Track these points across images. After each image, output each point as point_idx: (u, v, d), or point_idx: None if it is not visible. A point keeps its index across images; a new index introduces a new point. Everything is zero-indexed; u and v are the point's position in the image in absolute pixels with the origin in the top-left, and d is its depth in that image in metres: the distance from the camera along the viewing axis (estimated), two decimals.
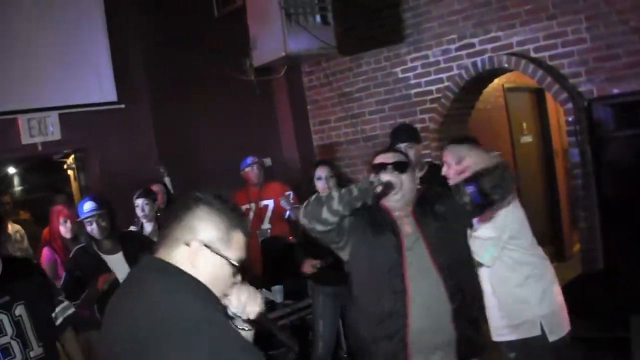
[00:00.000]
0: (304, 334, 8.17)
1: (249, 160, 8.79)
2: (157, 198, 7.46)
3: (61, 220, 6.75)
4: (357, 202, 4.04)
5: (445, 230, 4.26)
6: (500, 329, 4.88)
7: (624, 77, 7.11)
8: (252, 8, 8.90)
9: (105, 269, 5.83)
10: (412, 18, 9.01)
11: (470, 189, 4.12)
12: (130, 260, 5.83)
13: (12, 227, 8.21)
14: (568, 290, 5.31)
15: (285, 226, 8.50)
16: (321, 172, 7.06)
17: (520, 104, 11.21)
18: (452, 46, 8.54)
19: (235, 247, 2.66)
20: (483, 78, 8.66)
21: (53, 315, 4.70)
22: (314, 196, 4.16)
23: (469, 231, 4.63)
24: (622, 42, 7.09)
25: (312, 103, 10.79)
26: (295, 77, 10.80)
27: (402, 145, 6.68)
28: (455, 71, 8.54)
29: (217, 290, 2.62)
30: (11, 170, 13.13)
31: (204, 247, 2.58)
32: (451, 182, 5.28)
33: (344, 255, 4.42)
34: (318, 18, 8.67)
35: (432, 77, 8.85)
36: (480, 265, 4.74)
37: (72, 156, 9.56)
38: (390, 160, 4.30)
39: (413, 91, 9.13)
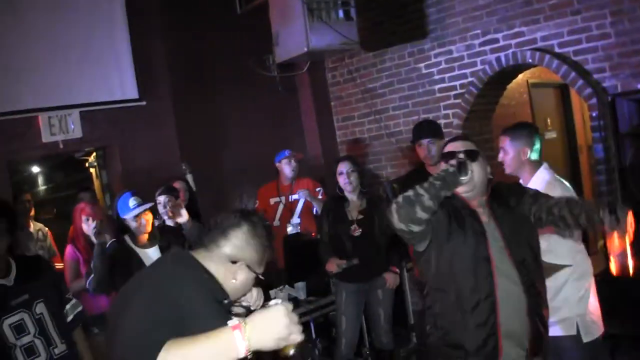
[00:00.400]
0: (328, 331, 8.16)
1: (286, 152, 8.70)
2: (179, 195, 7.44)
3: (83, 218, 6.73)
4: (443, 192, 3.95)
5: (518, 223, 4.19)
6: None
7: None
8: (274, 4, 8.90)
9: (139, 262, 5.79)
10: (436, 13, 8.97)
11: None
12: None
13: (35, 226, 8.18)
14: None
15: (314, 221, 8.46)
16: (343, 167, 7.07)
17: (545, 99, 11.13)
18: (476, 41, 8.48)
19: (264, 264, 3.29)
20: (507, 73, 8.61)
21: (64, 311, 4.71)
22: (400, 198, 3.99)
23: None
24: None
25: (336, 99, 10.76)
26: (319, 74, 10.77)
27: (424, 141, 6.66)
28: (479, 67, 8.49)
29: (241, 293, 3.30)
30: (36, 169, 13.15)
31: (245, 267, 3.18)
32: (507, 170, 5.27)
33: (419, 246, 4.24)
34: (341, 13, 8.66)
35: (456, 72, 8.80)
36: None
37: (94, 154, 9.56)
38: (461, 149, 4.22)
39: (437, 87, 9.09)
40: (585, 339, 4.86)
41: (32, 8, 8.21)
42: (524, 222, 4.21)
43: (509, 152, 5.22)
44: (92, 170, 9.82)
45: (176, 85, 9.34)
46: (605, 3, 7.29)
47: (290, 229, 8.39)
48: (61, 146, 8.45)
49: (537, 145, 5.24)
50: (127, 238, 5.95)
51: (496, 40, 8.25)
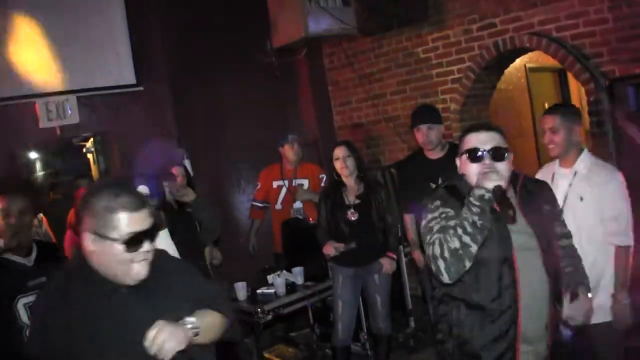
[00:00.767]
0: (326, 316, 8.18)
1: (289, 137, 8.76)
2: (177, 180, 7.45)
3: None
4: (485, 229, 3.60)
5: (542, 212, 3.97)
6: None
7: None
8: None
9: None
10: None
11: None
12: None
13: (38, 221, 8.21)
14: None
15: (315, 208, 8.48)
16: (338, 152, 7.07)
17: (543, 84, 11.11)
18: (474, 26, 8.45)
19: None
20: (504, 58, 8.58)
21: None
22: (446, 251, 3.62)
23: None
24: None
25: (333, 84, 10.76)
26: (317, 58, 10.77)
27: (422, 127, 6.66)
28: (477, 51, 8.46)
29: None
30: (33, 155, 13.14)
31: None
32: (556, 151, 5.21)
33: None
34: None
35: (454, 57, 8.77)
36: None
37: (92, 140, 9.56)
38: (487, 147, 3.78)
39: (434, 71, 9.06)
40: (618, 327, 4.89)
41: None
42: (545, 209, 4.01)
43: (559, 131, 5.07)
44: (89, 155, 9.82)
45: (174, 70, 9.35)
46: None
47: (293, 213, 8.44)
48: (58, 132, 8.48)
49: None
50: None
51: (494, 25, 8.22)
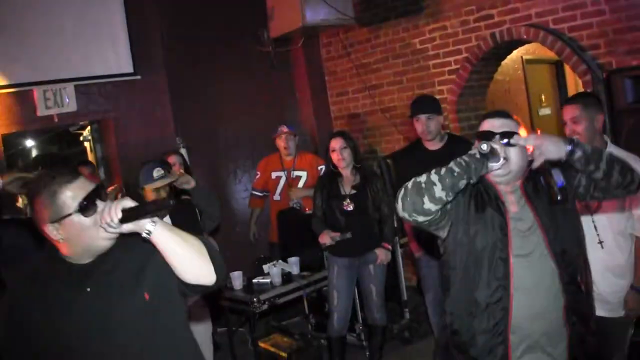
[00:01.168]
0: (321, 306, 8.20)
1: (279, 129, 8.81)
2: (174, 168, 7.45)
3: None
4: (461, 181, 3.49)
5: (560, 209, 3.74)
6: None
7: None
8: None
9: None
10: None
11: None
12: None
13: (23, 200, 8.17)
14: None
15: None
16: (334, 143, 7.07)
17: (539, 75, 11.12)
18: (471, 17, 8.45)
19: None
20: (501, 49, 8.58)
21: None
22: (410, 183, 3.58)
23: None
24: None
25: (330, 74, 10.75)
26: (313, 49, 10.75)
27: (422, 117, 6.65)
28: (474, 42, 8.46)
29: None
30: (30, 142, 13.14)
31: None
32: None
33: (442, 232, 3.84)
34: None
35: (451, 48, 8.77)
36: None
37: (89, 128, 9.57)
38: (498, 130, 3.75)
39: (431, 62, 9.06)
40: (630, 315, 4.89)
41: None
42: (565, 207, 3.77)
43: (581, 121, 4.86)
44: (86, 144, 9.82)
45: (171, 59, 9.35)
46: None
47: (291, 203, 8.47)
48: (56, 120, 8.47)
49: None
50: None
51: (491, 16, 8.22)
